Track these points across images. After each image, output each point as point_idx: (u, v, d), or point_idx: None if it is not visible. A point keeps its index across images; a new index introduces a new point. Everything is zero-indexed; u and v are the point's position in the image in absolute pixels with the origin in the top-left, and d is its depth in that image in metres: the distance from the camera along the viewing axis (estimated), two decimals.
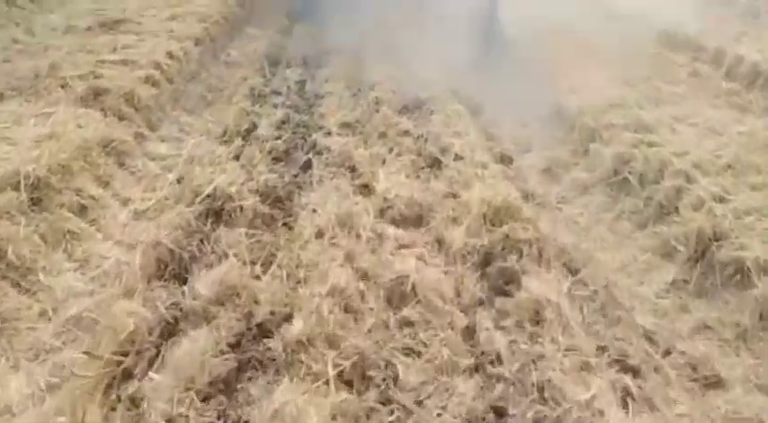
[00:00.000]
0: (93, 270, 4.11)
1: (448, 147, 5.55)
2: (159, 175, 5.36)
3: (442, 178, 5.09)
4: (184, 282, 3.71)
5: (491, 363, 3.11)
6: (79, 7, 9.37)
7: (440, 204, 4.62)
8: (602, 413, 2.78)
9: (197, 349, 3.00)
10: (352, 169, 5.07)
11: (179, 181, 5.12)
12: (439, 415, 2.84)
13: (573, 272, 4.00)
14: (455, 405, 2.86)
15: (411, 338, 3.19)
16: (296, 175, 4.99)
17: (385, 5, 8.55)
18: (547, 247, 3.99)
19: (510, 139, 6.46)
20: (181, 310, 3.42)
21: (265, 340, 3.19)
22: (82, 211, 4.60)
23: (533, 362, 3.03)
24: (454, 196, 4.73)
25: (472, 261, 3.95)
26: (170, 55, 7.42)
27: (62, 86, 6.19)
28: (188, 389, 2.84)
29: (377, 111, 6.34)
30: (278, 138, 5.66)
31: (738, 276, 4.16)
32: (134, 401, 2.87)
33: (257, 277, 3.68)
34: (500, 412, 2.86)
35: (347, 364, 2.96)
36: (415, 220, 4.42)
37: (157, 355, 3.17)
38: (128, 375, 3.06)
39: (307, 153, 5.40)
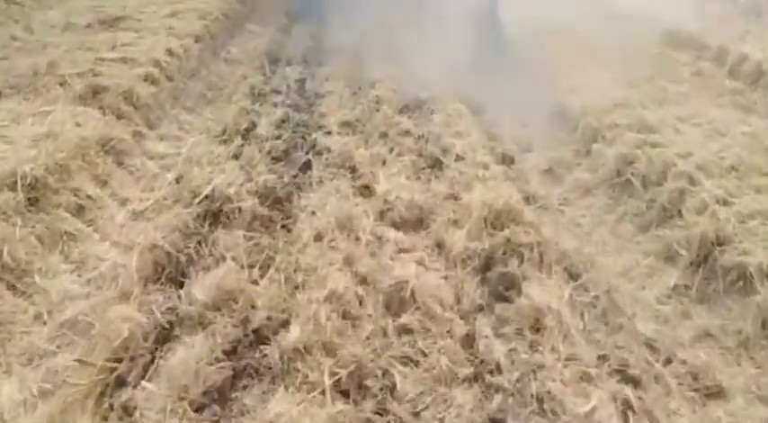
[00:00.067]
0: (90, 272, 4.06)
1: (449, 147, 5.51)
2: (158, 175, 5.32)
3: (443, 179, 5.04)
4: (181, 285, 3.67)
5: (490, 372, 3.06)
6: (78, 4, 9.31)
7: (440, 206, 4.57)
8: None
9: (192, 357, 2.97)
10: (353, 170, 5.03)
11: (177, 180, 5.07)
12: None
13: (574, 277, 3.96)
14: (453, 417, 2.82)
15: (409, 347, 3.15)
16: (295, 176, 4.95)
17: (385, 4, 8.50)
18: (548, 252, 3.94)
19: (511, 139, 6.40)
20: (177, 314, 3.38)
21: (262, 347, 3.15)
22: (79, 211, 4.55)
23: (533, 372, 2.99)
24: (455, 198, 4.69)
25: (472, 265, 3.90)
26: (170, 52, 7.37)
27: (61, 84, 6.14)
28: (181, 398, 2.80)
29: (377, 110, 6.30)
30: (278, 137, 5.62)
31: (741, 282, 4.10)
32: (126, 410, 2.83)
33: (255, 281, 3.63)
34: None
35: (344, 373, 2.92)
36: (416, 222, 4.38)
37: (152, 361, 3.14)
38: (121, 383, 3.02)
39: (306, 153, 5.36)
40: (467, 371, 3.07)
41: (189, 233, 4.12)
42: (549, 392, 2.86)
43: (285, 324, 3.24)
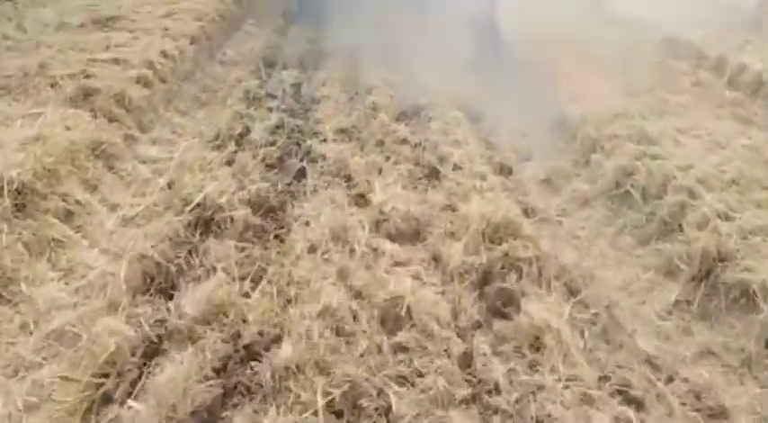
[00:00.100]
0: (78, 280, 3.96)
1: (446, 156, 5.43)
2: (149, 180, 5.20)
3: (440, 190, 4.96)
4: (171, 297, 3.58)
5: (488, 392, 2.98)
6: (73, 3, 9.18)
7: (437, 218, 4.49)
8: None
9: (180, 374, 2.87)
10: (348, 178, 4.94)
11: (169, 186, 4.97)
12: None
13: (574, 292, 3.87)
14: None
15: (405, 366, 3.05)
16: (289, 184, 4.85)
17: (384, 7, 8.42)
18: (547, 267, 3.86)
19: (510, 147, 6.31)
20: (165, 328, 3.29)
21: (252, 363, 3.05)
22: (68, 217, 4.45)
23: (532, 393, 2.91)
24: (452, 209, 4.60)
25: (470, 280, 3.81)
26: (164, 54, 7.25)
27: (51, 86, 6.04)
28: (169, 418, 2.71)
29: (374, 117, 6.20)
30: (272, 143, 5.52)
31: (744, 300, 4.02)
32: None
33: (246, 294, 3.54)
34: None
35: (337, 392, 2.82)
36: (412, 234, 4.29)
37: (139, 376, 3.05)
38: (107, 400, 2.94)
39: (301, 160, 5.25)
40: (464, 392, 2.97)
41: (179, 242, 4.04)
42: (550, 415, 2.78)
43: (277, 340, 3.15)
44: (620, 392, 3.14)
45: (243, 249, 3.92)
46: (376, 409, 2.82)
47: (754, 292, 3.96)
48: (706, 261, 4.29)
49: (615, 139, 6.08)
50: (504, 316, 3.50)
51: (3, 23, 8.12)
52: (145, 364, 3.12)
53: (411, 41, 7.84)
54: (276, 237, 4.18)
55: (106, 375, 3.01)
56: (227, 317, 3.29)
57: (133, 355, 3.13)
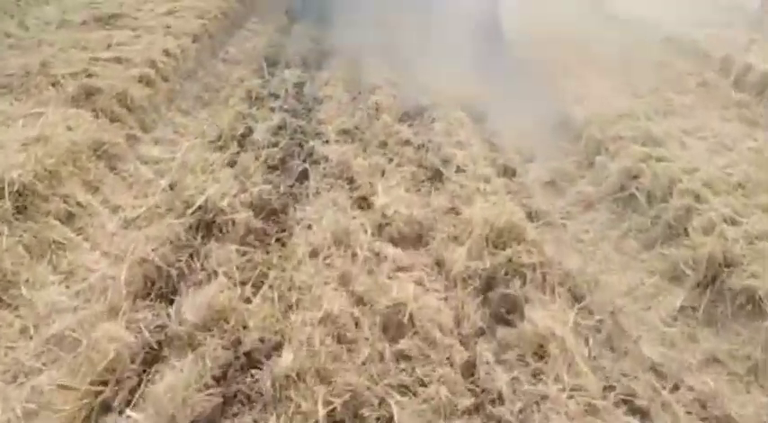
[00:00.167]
0: (79, 284, 3.92)
1: (450, 158, 5.38)
2: (151, 181, 5.18)
3: (443, 192, 4.91)
4: (171, 301, 3.55)
5: (491, 402, 2.94)
6: (75, 0, 9.15)
7: (440, 222, 4.44)
8: None
9: (180, 383, 2.83)
10: (350, 181, 4.89)
11: (171, 187, 4.93)
12: None
13: (578, 298, 3.83)
14: None
15: (407, 375, 3.01)
16: (291, 186, 4.81)
17: (387, 6, 8.37)
18: (551, 272, 3.82)
19: (513, 148, 6.27)
20: (166, 334, 3.26)
21: (253, 371, 3.01)
22: (69, 219, 4.42)
23: (536, 403, 2.87)
24: (455, 212, 4.56)
25: (473, 286, 3.77)
26: (166, 52, 7.22)
27: (53, 85, 6.01)
28: None
29: (377, 118, 6.15)
30: (274, 144, 5.47)
31: (750, 306, 3.98)
32: None
33: (247, 300, 3.50)
34: None
35: (338, 402, 2.78)
36: (415, 239, 4.24)
37: (139, 384, 3.01)
38: (106, 408, 2.90)
39: (303, 161, 5.21)
40: (467, 402, 2.93)
41: (180, 245, 4.01)
42: None
43: (278, 347, 3.11)
44: (625, 402, 3.10)
45: (244, 253, 3.88)
46: (377, 420, 2.79)
47: (761, 299, 3.91)
48: (712, 266, 4.24)
49: (620, 140, 6.03)
50: (508, 323, 3.46)
51: (5, 21, 8.09)
52: (144, 370, 3.09)
53: (414, 41, 7.79)
54: (278, 240, 4.15)
55: (105, 383, 2.98)
56: (228, 323, 3.25)
57: (132, 361, 3.10)
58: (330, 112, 6.30)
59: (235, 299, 3.42)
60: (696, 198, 4.90)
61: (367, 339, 3.20)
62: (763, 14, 10.81)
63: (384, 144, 5.61)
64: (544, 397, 2.91)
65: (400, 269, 3.84)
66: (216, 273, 3.67)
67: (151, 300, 3.60)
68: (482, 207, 4.40)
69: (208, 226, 4.14)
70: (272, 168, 5.08)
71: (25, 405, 2.99)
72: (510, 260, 3.81)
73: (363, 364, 3.05)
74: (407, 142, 5.68)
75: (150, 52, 7.06)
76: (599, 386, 3.10)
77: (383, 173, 5.05)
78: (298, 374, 2.85)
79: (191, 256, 3.91)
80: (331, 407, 2.77)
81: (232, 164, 5.11)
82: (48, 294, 3.78)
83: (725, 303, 4.09)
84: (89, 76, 6.22)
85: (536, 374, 3.07)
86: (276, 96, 6.79)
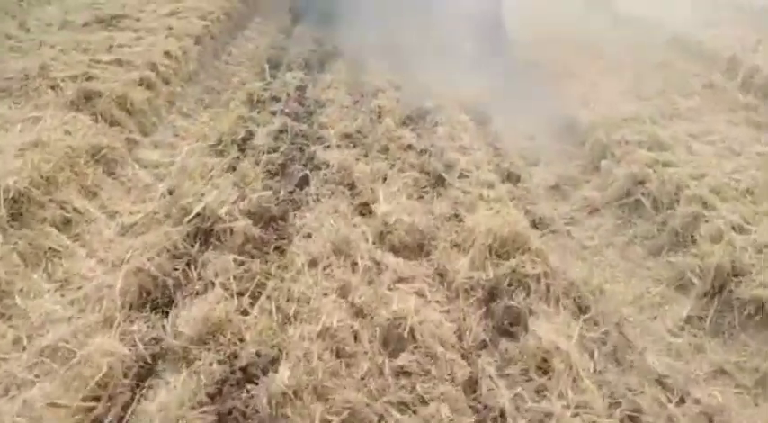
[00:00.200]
0: (74, 292, 3.84)
1: (453, 163, 5.32)
2: (150, 186, 5.11)
3: (446, 199, 4.84)
4: (167, 313, 3.47)
5: (494, 420, 2.86)
6: (78, 0, 9.09)
7: (442, 230, 4.37)
8: None
9: (173, 400, 2.76)
10: (352, 186, 4.81)
11: (170, 192, 4.86)
12: None
13: (583, 309, 3.75)
14: None
15: (407, 391, 2.93)
16: (292, 192, 4.72)
17: (390, 6, 8.29)
18: (555, 283, 3.74)
19: (517, 152, 6.19)
20: (160, 347, 3.19)
21: (249, 386, 2.94)
22: (65, 225, 4.35)
23: (540, 421, 2.79)
24: (458, 220, 4.49)
25: (476, 297, 3.69)
26: (168, 55, 7.16)
27: (52, 88, 5.95)
28: None
29: (379, 122, 6.07)
30: (275, 149, 5.39)
31: (758, 317, 3.90)
32: None
33: (244, 311, 3.43)
34: None
35: (336, 420, 2.71)
36: (416, 248, 4.16)
37: (132, 400, 2.94)
38: None
39: (304, 166, 5.13)
40: (469, 420, 2.85)
41: (177, 254, 3.94)
42: None
43: (275, 361, 3.03)
44: (630, 418, 3.03)
45: (242, 263, 3.80)
46: None
47: None
48: (720, 276, 4.17)
49: (626, 144, 5.96)
50: (511, 335, 3.38)
51: (6, 22, 8.03)
52: (138, 385, 3.02)
53: (417, 42, 7.71)
54: (277, 249, 4.07)
55: (97, 398, 2.91)
56: (224, 336, 3.18)
57: (126, 376, 3.03)
58: (332, 116, 6.21)
59: (231, 310, 3.35)
60: (704, 205, 4.82)
61: (366, 353, 3.12)
62: None
63: (386, 149, 5.52)
64: (548, 414, 2.84)
65: (401, 280, 3.76)
66: (213, 283, 3.60)
67: (147, 310, 3.53)
68: (485, 215, 4.33)
69: (205, 234, 4.07)
70: (273, 174, 5.00)
71: (16, 419, 2.92)
72: (514, 270, 3.73)
73: (362, 379, 2.98)
74: (410, 147, 5.60)
75: (151, 54, 7.01)
76: (604, 403, 3.02)
77: (385, 178, 4.97)
78: (295, 392, 2.77)
79: (188, 264, 3.84)
80: None
81: (232, 169, 5.03)
82: (42, 304, 3.70)
83: (733, 313, 4.02)
84: (89, 79, 6.15)
85: (540, 391, 3.00)
86: (278, 100, 6.71)
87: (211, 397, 2.85)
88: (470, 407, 2.95)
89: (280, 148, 5.42)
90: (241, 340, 3.19)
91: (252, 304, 3.49)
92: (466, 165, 5.27)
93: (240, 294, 3.55)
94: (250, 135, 5.73)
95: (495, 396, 2.97)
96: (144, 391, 2.98)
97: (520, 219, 4.30)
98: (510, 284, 3.68)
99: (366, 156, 5.43)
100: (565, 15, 9.29)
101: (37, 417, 2.92)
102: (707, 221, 4.64)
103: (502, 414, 2.87)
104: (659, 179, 5.23)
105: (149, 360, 3.15)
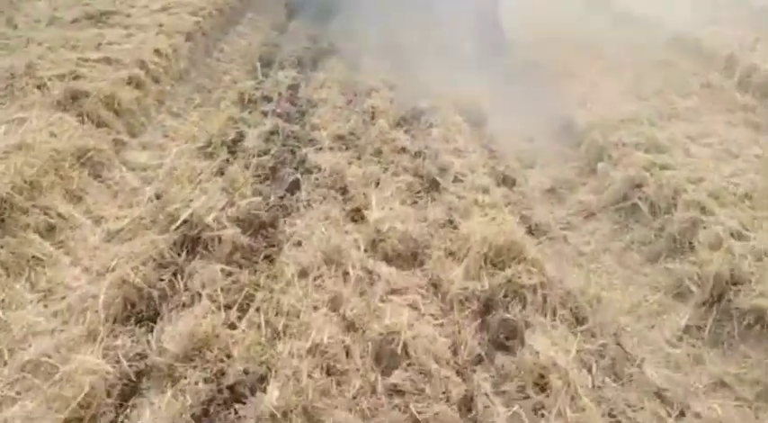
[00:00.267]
0: (57, 303, 3.73)
1: (447, 166, 5.21)
2: (137, 189, 4.98)
3: (440, 204, 4.74)
4: (152, 327, 3.36)
5: None
6: None
7: (436, 237, 4.27)
8: None
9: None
10: (344, 191, 4.71)
11: (157, 197, 4.74)
12: None
13: (580, 320, 3.66)
14: None
15: (401, 411, 2.84)
16: (282, 197, 4.62)
17: (386, 5, 8.19)
18: (552, 293, 3.64)
19: (513, 155, 6.08)
20: (145, 364, 3.08)
21: (237, 406, 2.84)
22: (49, 232, 4.24)
23: None
24: (453, 226, 4.39)
25: (471, 309, 3.60)
26: (157, 52, 7.02)
27: (38, 87, 5.83)
28: None
29: (372, 123, 5.96)
30: (265, 152, 5.27)
31: (758, 327, 3.81)
32: None
33: (232, 325, 3.32)
34: None
35: None
36: (410, 257, 4.06)
37: (115, 420, 2.84)
38: None
39: (295, 170, 5.02)
40: None
41: (164, 263, 3.84)
42: None
43: (263, 379, 2.94)
44: None
45: (230, 274, 3.70)
46: None
47: None
48: (718, 284, 4.07)
49: (623, 146, 5.85)
50: (507, 349, 3.29)
51: None
52: (121, 405, 2.92)
53: (412, 41, 7.61)
54: (266, 257, 3.96)
55: (80, 420, 2.81)
56: (211, 352, 3.08)
57: (109, 395, 2.93)
58: (324, 117, 6.10)
59: (218, 324, 3.25)
60: (702, 210, 4.73)
61: (358, 370, 3.03)
62: None
63: (379, 152, 5.41)
64: None
65: (394, 291, 3.66)
66: (199, 294, 3.50)
67: (131, 324, 3.43)
68: (480, 221, 4.23)
69: (193, 242, 3.97)
70: (263, 178, 4.88)
71: None
72: (509, 281, 3.64)
73: (354, 398, 2.88)
74: (403, 150, 5.49)
75: (141, 52, 6.88)
76: (604, 421, 2.93)
77: (378, 183, 4.86)
78: (284, 413, 2.68)
79: (174, 275, 3.74)
80: None
81: (220, 173, 4.91)
82: (24, 315, 3.59)
83: (732, 323, 3.92)
84: (76, 77, 6.04)
85: (537, 409, 2.91)
86: (269, 99, 6.59)
87: (197, 419, 2.75)
88: None
89: (270, 151, 5.31)
90: (228, 356, 3.09)
91: (240, 317, 3.40)
92: (460, 168, 5.16)
93: (228, 307, 3.45)
94: (240, 136, 5.61)
95: (491, 415, 2.88)
96: (128, 411, 2.88)
97: (515, 226, 4.21)
98: (506, 295, 3.59)
99: (359, 158, 5.32)
100: (564, 15, 9.19)
101: None
102: (705, 227, 4.54)
103: None
104: (656, 183, 5.13)
105: (133, 378, 3.05)
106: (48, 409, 2.89)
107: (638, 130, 6.16)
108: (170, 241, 4.00)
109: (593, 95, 7.21)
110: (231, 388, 2.91)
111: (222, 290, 3.55)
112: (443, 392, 2.98)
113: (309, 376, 2.86)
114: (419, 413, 2.83)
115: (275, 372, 2.92)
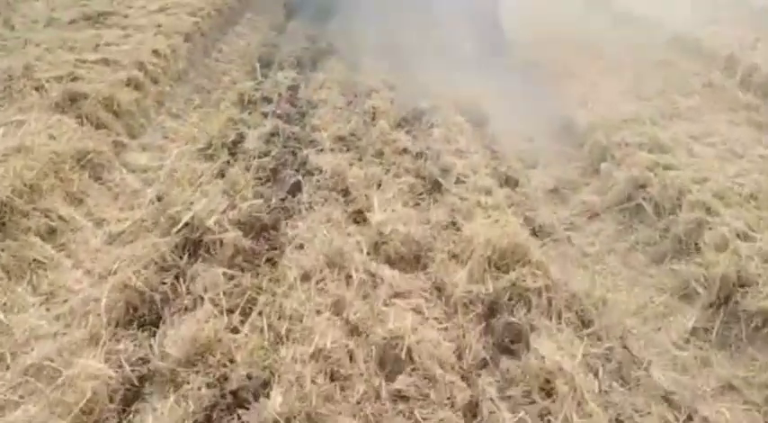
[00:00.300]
0: (59, 306, 3.71)
1: (449, 167, 5.18)
2: (138, 191, 4.96)
3: (443, 205, 4.70)
4: (154, 331, 3.33)
5: None
6: None
7: (439, 240, 4.23)
8: None
9: None
10: (345, 193, 4.68)
11: (159, 199, 4.70)
12: None
13: (586, 323, 3.63)
14: None
15: (405, 417, 2.80)
16: (283, 199, 4.57)
17: (385, 5, 8.15)
18: (557, 296, 3.61)
19: (515, 155, 6.04)
20: (148, 369, 3.05)
21: (240, 411, 2.81)
22: (50, 234, 4.22)
23: None
24: (456, 228, 4.36)
25: (475, 312, 3.56)
26: (156, 53, 6.98)
27: (36, 89, 5.79)
28: None
29: (373, 124, 5.92)
30: (266, 154, 5.23)
31: (766, 329, 3.78)
32: None
33: (234, 329, 3.28)
34: None
35: None
36: (413, 260, 4.02)
37: None
38: None
39: (296, 171, 4.98)
40: None
41: (166, 266, 3.80)
42: None
43: (266, 384, 2.90)
44: None
45: (232, 278, 3.66)
46: None
47: None
48: (725, 286, 4.04)
49: (626, 146, 5.82)
50: (512, 353, 3.26)
51: None
52: (124, 410, 2.88)
53: (412, 41, 7.58)
54: (268, 261, 3.92)
55: None
56: (214, 356, 3.04)
57: (111, 400, 2.89)
58: (325, 118, 6.06)
59: (221, 329, 3.21)
60: (707, 210, 4.70)
61: (362, 375, 2.99)
62: None
63: (380, 153, 5.37)
64: None
65: (397, 294, 3.62)
66: (202, 298, 3.46)
67: (133, 328, 3.39)
68: (483, 223, 4.19)
69: (194, 245, 3.93)
70: (264, 180, 4.84)
71: None
72: (514, 284, 3.60)
73: (358, 403, 2.84)
74: (405, 151, 5.46)
75: (139, 53, 6.85)
76: None
77: (379, 184, 4.83)
78: (287, 419, 2.64)
79: (176, 278, 3.70)
80: None
81: (221, 175, 4.87)
82: (26, 319, 3.57)
83: (739, 325, 3.89)
84: (74, 79, 6.00)
85: (543, 415, 2.87)
86: (269, 100, 6.54)
87: None
88: None
89: (271, 152, 5.27)
90: (231, 361, 3.05)
91: (242, 322, 3.36)
92: (462, 169, 5.13)
93: (230, 311, 3.41)
94: (240, 138, 5.57)
95: (496, 421, 2.84)
96: (130, 416, 2.84)
97: (519, 228, 4.17)
98: (510, 299, 3.55)
99: (360, 160, 5.28)
100: (564, 15, 9.15)
101: None
102: (711, 228, 4.51)
103: None
104: (660, 183, 5.10)
105: (136, 382, 3.02)
106: (50, 413, 2.86)
107: (641, 129, 6.14)
108: (171, 244, 3.96)
109: (593, 95, 7.19)
110: (234, 393, 2.87)
111: (224, 293, 3.51)
112: (448, 398, 2.94)
113: (313, 381, 2.83)
114: (424, 419, 2.80)
115: (278, 377, 2.88)
